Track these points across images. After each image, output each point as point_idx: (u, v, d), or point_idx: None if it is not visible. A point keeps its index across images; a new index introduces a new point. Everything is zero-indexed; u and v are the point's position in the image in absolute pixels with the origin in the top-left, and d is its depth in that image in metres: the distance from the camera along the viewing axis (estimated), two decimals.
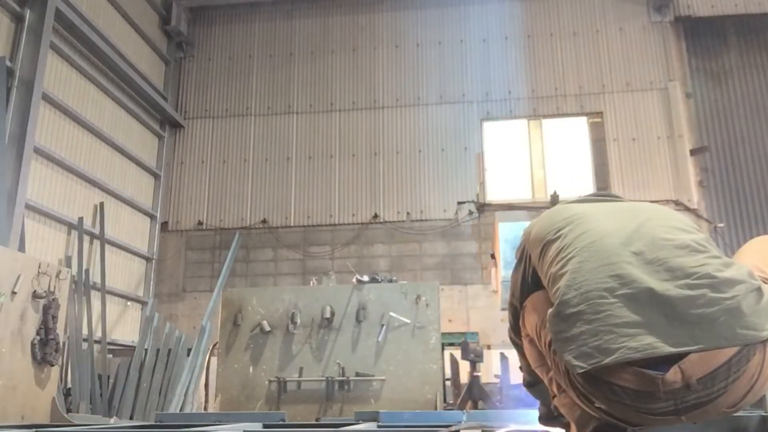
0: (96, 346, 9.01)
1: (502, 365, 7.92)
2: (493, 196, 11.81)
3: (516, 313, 2.24)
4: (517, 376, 7.16)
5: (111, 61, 10.62)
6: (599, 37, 12.31)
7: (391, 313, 6.41)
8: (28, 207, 8.58)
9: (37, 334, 5.88)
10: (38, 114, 8.70)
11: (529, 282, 2.15)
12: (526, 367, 2.32)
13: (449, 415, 3.88)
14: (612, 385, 1.67)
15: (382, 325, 6.38)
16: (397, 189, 12.03)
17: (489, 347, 9.25)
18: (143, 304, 11.62)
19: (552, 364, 1.91)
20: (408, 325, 6.39)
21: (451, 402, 7.36)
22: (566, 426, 2.24)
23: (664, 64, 11.96)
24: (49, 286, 6.02)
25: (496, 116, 12.23)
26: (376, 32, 12.92)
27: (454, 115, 12.27)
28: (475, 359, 7.20)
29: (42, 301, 5.94)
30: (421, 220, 11.81)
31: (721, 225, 10.91)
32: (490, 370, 8.37)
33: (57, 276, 6.16)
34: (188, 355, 8.74)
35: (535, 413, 2.68)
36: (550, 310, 1.82)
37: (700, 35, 12.05)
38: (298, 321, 6.49)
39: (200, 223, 12.33)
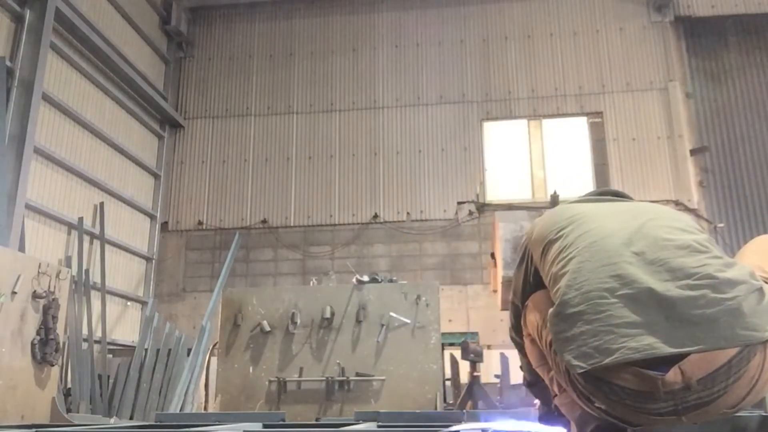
0: (96, 346, 9.01)
1: (502, 365, 7.92)
2: (493, 196, 11.81)
3: (517, 313, 2.25)
4: (517, 376, 7.16)
5: (111, 61, 10.61)
6: (599, 37, 12.31)
7: (391, 313, 6.41)
8: (28, 207, 8.57)
9: (37, 334, 5.88)
10: (38, 114, 8.69)
11: (530, 281, 2.15)
12: (526, 366, 2.33)
13: (449, 415, 3.87)
14: (612, 385, 1.67)
15: (382, 325, 6.38)
16: (397, 189, 12.03)
17: (489, 347, 9.23)
18: (143, 304, 11.62)
19: (553, 363, 1.91)
20: (408, 325, 6.39)
21: (451, 402, 7.36)
22: (566, 426, 2.24)
23: (664, 64, 11.96)
24: (49, 286, 6.02)
25: (496, 116, 12.23)
26: (376, 32, 12.92)
27: (454, 115, 12.27)
28: (475, 359, 7.20)
29: (42, 301, 5.95)
30: (421, 220, 11.81)
31: (721, 225, 10.91)
32: (490, 370, 8.36)
33: (57, 276, 6.16)
34: (188, 355, 8.75)
35: (534, 413, 2.68)
36: (550, 310, 1.82)
37: (700, 35, 12.05)
38: (298, 321, 6.49)
39: (200, 223, 12.33)
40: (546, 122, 12.13)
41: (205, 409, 6.94)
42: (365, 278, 6.81)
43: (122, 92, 11.31)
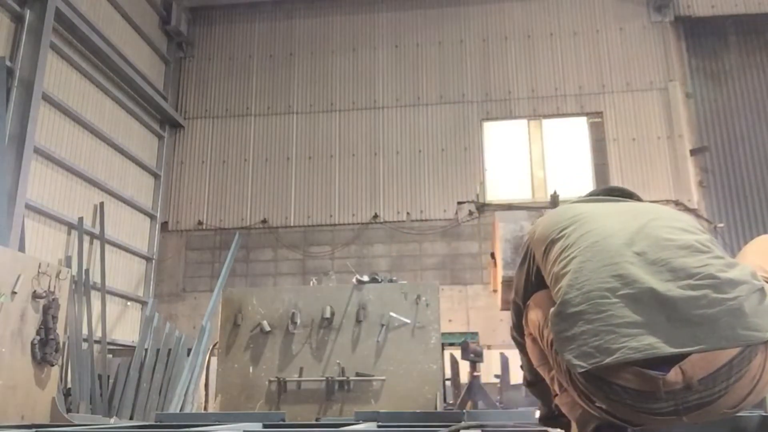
0: (96, 346, 9.01)
1: (502, 365, 7.92)
2: (493, 196, 11.81)
3: (519, 312, 2.25)
4: (517, 376, 7.16)
5: (111, 61, 10.61)
6: (599, 37, 12.31)
7: (391, 313, 6.40)
8: (28, 207, 8.57)
9: (37, 334, 5.88)
10: (38, 114, 8.69)
11: (532, 281, 2.15)
12: (527, 366, 2.33)
13: (449, 415, 3.87)
14: (613, 384, 1.67)
15: (382, 325, 6.37)
16: (397, 189, 12.03)
17: (489, 347, 9.23)
18: (143, 304, 11.62)
19: (554, 363, 1.91)
20: (408, 325, 6.39)
21: (451, 402, 7.36)
22: (566, 426, 2.24)
23: (664, 64, 11.96)
24: (49, 286, 6.02)
25: (496, 116, 12.23)
26: (376, 32, 12.92)
27: (454, 115, 12.27)
28: (475, 359, 7.20)
29: (42, 301, 5.94)
30: (421, 220, 11.81)
31: (721, 225, 10.91)
32: (490, 370, 8.36)
33: (57, 276, 6.16)
34: (188, 355, 8.74)
35: (534, 413, 2.68)
36: (551, 309, 1.82)
37: (700, 35, 12.05)
38: (298, 321, 6.48)
39: (200, 223, 12.33)
40: (546, 122, 12.13)
41: (205, 409, 6.94)
42: (365, 278, 6.80)
43: (122, 92, 11.31)
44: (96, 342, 9.10)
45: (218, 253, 11.98)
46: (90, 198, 10.36)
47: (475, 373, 7.08)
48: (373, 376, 6.26)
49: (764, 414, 2.37)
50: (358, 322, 6.47)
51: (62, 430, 2.88)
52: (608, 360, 1.63)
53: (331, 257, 11.79)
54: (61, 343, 6.22)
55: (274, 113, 12.75)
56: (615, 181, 11.42)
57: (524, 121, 12.18)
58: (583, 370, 1.67)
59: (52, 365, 6.05)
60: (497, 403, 7.06)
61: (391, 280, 7.24)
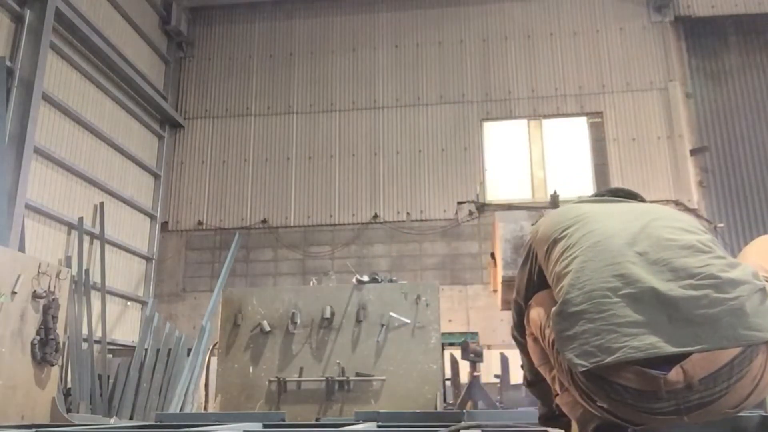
0: (96, 346, 9.01)
1: (502, 365, 7.92)
2: (493, 196, 11.81)
3: (520, 311, 2.25)
4: (517, 376, 7.16)
5: (111, 61, 10.61)
6: (599, 37, 12.31)
7: (391, 313, 6.40)
8: (28, 207, 8.57)
9: (37, 334, 5.88)
10: (38, 114, 8.70)
11: (535, 280, 2.16)
12: (528, 365, 2.33)
13: (449, 415, 3.87)
14: (614, 384, 1.68)
15: (382, 325, 6.37)
16: (397, 189, 12.03)
17: (489, 347, 9.24)
18: (143, 304, 11.62)
19: (555, 362, 1.92)
20: (408, 325, 6.39)
21: (451, 402, 7.36)
22: (566, 426, 2.24)
23: (664, 64, 11.96)
24: (49, 286, 6.02)
25: (496, 116, 12.23)
26: (376, 32, 12.92)
27: (454, 115, 12.27)
28: (475, 359, 7.20)
29: (42, 301, 5.94)
30: (421, 220, 11.81)
31: (721, 225, 10.90)
32: (490, 370, 8.36)
33: (57, 276, 6.16)
34: (188, 355, 8.74)
35: (534, 413, 2.68)
36: (553, 309, 1.82)
37: (700, 35, 12.05)
38: (298, 321, 6.48)
39: (200, 223, 12.33)
40: (546, 122, 12.13)
41: (205, 409, 6.94)
42: (365, 278, 6.80)
43: (122, 92, 11.31)
44: (96, 342, 9.10)
45: (218, 253, 11.98)
46: (90, 198, 10.36)
47: (475, 373, 7.08)
48: (373, 376, 6.26)
49: (764, 414, 2.37)
50: (358, 322, 6.47)
51: (62, 430, 2.88)
52: (609, 359, 1.63)
53: (331, 257, 11.79)
54: (61, 343, 6.22)
55: (274, 113, 12.75)
56: (615, 181, 11.43)
57: (524, 121, 12.18)
58: (584, 369, 1.67)
59: (52, 365, 6.05)
60: (497, 403, 7.06)
61: (391, 280, 7.24)
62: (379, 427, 3.07)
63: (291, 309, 6.56)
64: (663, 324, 1.64)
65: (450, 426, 2.66)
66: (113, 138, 10.96)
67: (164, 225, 12.42)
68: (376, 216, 11.91)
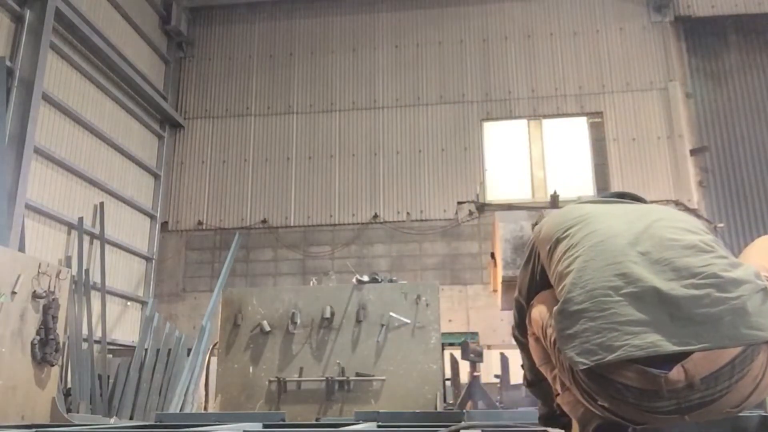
0: (96, 346, 9.01)
1: (502, 365, 7.92)
2: (493, 196, 11.81)
3: (522, 311, 2.25)
4: (517, 376, 7.16)
5: (111, 61, 10.62)
6: (599, 37, 12.31)
7: (391, 313, 6.40)
8: (28, 207, 8.57)
9: (37, 334, 5.87)
10: (38, 114, 8.70)
11: (537, 280, 2.16)
12: (528, 365, 2.33)
13: (449, 415, 3.87)
14: (615, 383, 1.68)
15: (382, 325, 6.36)
16: (397, 189, 12.03)
17: (489, 347, 9.23)
18: (143, 304, 11.62)
19: (556, 361, 1.92)
20: (408, 325, 6.38)
21: (451, 402, 7.36)
22: (566, 426, 2.24)
23: (664, 64, 11.96)
24: (49, 286, 6.02)
25: (496, 116, 12.23)
26: (376, 32, 12.92)
27: (454, 115, 12.27)
28: (475, 359, 7.20)
29: (42, 301, 5.94)
30: (421, 220, 11.81)
31: (721, 225, 10.90)
32: (490, 370, 8.36)
33: (57, 276, 6.16)
34: (188, 355, 8.75)
35: (534, 413, 2.68)
36: (555, 308, 1.83)
37: (700, 35, 12.05)
38: (298, 321, 6.48)
39: (200, 223, 12.33)
40: (546, 122, 12.13)
41: (205, 409, 6.94)
42: (365, 278, 6.80)
43: (122, 92, 11.31)
44: (96, 342, 9.10)
45: (218, 253, 11.98)
46: (90, 198, 10.36)
47: (475, 373, 7.08)
48: (373, 376, 6.26)
49: (764, 414, 2.37)
50: (358, 322, 6.47)
51: (62, 430, 2.88)
52: (610, 357, 1.64)
53: (331, 257, 11.79)
54: (61, 343, 6.22)
55: (274, 113, 12.75)
56: (615, 181, 11.44)
57: (524, 121, 12.18)
58: (585, 367, 1.68)
59: (52, 365, 6.05)
60: (497, 403, 7.06)
61: (391, 280, 7.23)
62: (379, 427, 3.07)
63: (291, 309, 6.56)
64: (664, 323, 1.64)
65: (450, 426, 2.66)
66: (113, 138, 10.96)
67: (164, 225, 12.42)
68: (376, 216, 11.92)
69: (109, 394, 8.29)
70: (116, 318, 10.85)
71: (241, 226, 12.03)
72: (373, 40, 12.88)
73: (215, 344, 6.89)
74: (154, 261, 12.11)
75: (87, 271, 9.43)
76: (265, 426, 3.05)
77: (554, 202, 8.84)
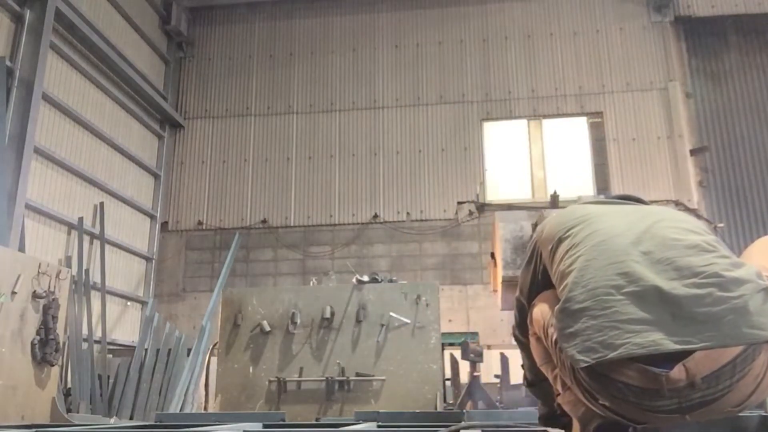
0: (96, 346, 9.01)
1: (502, 365, 7.91)
2: (493, 196, 11.81)
3: (523, 311, 2.25)
4: (517, 376, 7.16)
5: (111, 61, 10.61)
6: (599, 37, 12.31)
7: (391, 313, 6.40)
8: (28, 207, 8.57)
9: (37, 334, 5.87)
10: (38, 114, 8.69)
11: (539, 279, 2.16)
12: (529, 365, 2.33)
13: (449, 415, 3.87)
14: (617, 382, 1.68)
15: (382, 325, 6.36)
16: (397, 189, 12.03)
17: (489, 347, 9.23)
18: (143, 304, 11.62)
19: (558, 361, 1.92)
20: (408, 325, 6.38)
21: (451, 402, 7.36)
22: (567, 426, 2.24)
23: (664, 64, 11.96)
24: (49, 286, 6.02)
25: (496, 116, 12.23)
26: (376, 32, 12.93)
27: (454, 115, 12.27)
28: (475, 359, 7.19)
29: (42, 301, 5.94)
30: (421, 220, 11.81)
31: (721, 225, 10.90)
32: (490, 370, 8.35)
33: (57, 276, 6.16)
34: (188, 355, 8.75)
35: (534, 413, 2.68)
36: (556, 306, 1.83)
37: (700, 35, 12.05)
38: (298, 321, 6.48)
39: (200, 223, 12.33)
40: (546, 122, 12.13)
41: (205, 409, 6.94)
42: (365, 278, 6.80)
43: (122, 92, 11.31)
44: (96, 342, 9.10)
45: (218, 253, 11.98)
46: (90, 198, 10.36)
47: (475, 373, 7.07)
48: (373, 376, 6.26)
49: (764, 414, 2.37)
50: (358, 322, 6.47)
51: (62, 430, 2.88)
52: (612, 355, 1.64)
53: (331, 257, 11.79)
54: (61, 343, 6.22)
55: (274, 113, 12.75)
56: (615, 181, 11.44)
57: (524, 121, 12.18)
58: (586, 364, 1.68)
59: (52, 365, 6.05)
60: (497, 403, 7.06)
61: (391, 280, 7.24)
62: (379, 427, 3.07)
63: (291, 309, 6.56)
64: (666, 321, 1.64)
65: (450, 426, 2.66)
66: (113, 138, 10.96)
67: (164, 225, 12.42)
68: (376, 216, 11.92)
69: (109, 394, 8.29)
70: (116, 318, 10.85)
71: (241, 226, 12.03)
72: (373, 40, 12.88)
73: (215, 344, 6.89)
74: (154, 261, 12.11)
75: (87, 271, 9.43)
76: (265, 426, 3.05)
77: (554, 202, 8.82)
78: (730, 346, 1.62)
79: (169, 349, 8.67)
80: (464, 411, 4.23)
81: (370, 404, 6.14)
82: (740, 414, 1.82)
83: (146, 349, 8.58)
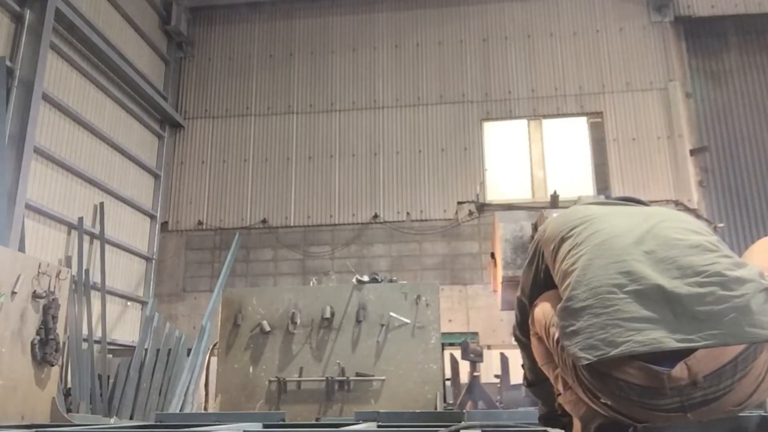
0: (96, 346, 9.01)
1: (502, 365, 7.91)
2: (493, 196, 11.81)
3: (524, 310, 2.26)
4: (517, 376, 7.16)
5: (111, 61, 10.61)
6: (599, 37, 12.31)
7: (391, 313, 6.40)
8: (28, 207, 8.57)
9: (37, 334, 5.87)
10: (38, 114, 8.69)
11: (541, 279, 2.17)
12: (529, 365, 2.33)
13: (449, 415, 3.87)
14: (618, 380, 1.68)
15: (382, 325, 6.36)
16: (397, 189, 12.03)
17: (489, 347, 9.23)
18: (143, 304, 11.62)
19: (559, 360, 1.92)
20: (408, 325, 6.38)
21: (451, 402, 7.36)
22: (567, 425, 2.25)
23: (664, 64, 11.96)
24: (49, 286, 6.01)
25: (496, 116, 12.23)
26: (376, 32, 12.92)
27: (454, 115, 12.27)
28: (475, 359, 7.19)
29: (42, 301, 5.94)
30: (421, 220, 11.81)
31: (721, 225, 10.90)
32: (490, 370, 8.36)
33: (57, 276, 6.15)
34: (188, 355, 8.74)
35: (534, 413, 2.68)
36: (558, 305, 1.83)
37: (700, 35, 12.05)
38: (298, 321, 6.47)
39: (200, 223, 12.33)
40: (546, 122, 12.13)
41: (205, 409, 6.94)
42: (365, 278, 6.80)
43: (122, 92, 11.31)
44: (96, 342, 9.10)
45: (218, 253, 11.98)
46: (90, 198, 10.36)
47: (475, 373, 7.07)
48: (373, 376, 6.26)
49: (764, 414, 2.37)
50: (358, 322, 6.47)
51: (62, 430, 2.88)
52: (613, 352, 1.64)
53: (331, 257, 11.79)
54: (61, 343, 6.21)
55: (274, 113, 12.75)
56: (615, 181, 11.44)
57: (524, 121, 12.18)
58: (588, 362, 1.68)
59: (52, 365, 6.04)
60: (497, 403, 7.06)
61: (391, 280, 7.23)
62: (379, 427, 3.07)
63: (291, 309, 6.56)
64: (668, 320, 1.65)
65: (450, 426, 2.66)
66: (113, 138, 10.96)
67: (164, 225, 12.42)
68: (376, 216, 11.92)
69: (109, 394, 8.29)
70: (116, 318, 10.85)
71: (241, 226, 12.03)
72: (373, 40, 12.88)
73: (215, 344, 6.89)
74: (154, 261, 12.11)
75: (87, 271, 9.42)
76: (265, 426, 3.05)
77: (554, 202, 8.82)
78: (731, 344, 1.62)
79: (169, 349, 8.67)
80: (464, 411, 4.24)
81: (370, 404, 6.14)
82: (740, 414, 1.82)
83: (146, 349, 8.57)
